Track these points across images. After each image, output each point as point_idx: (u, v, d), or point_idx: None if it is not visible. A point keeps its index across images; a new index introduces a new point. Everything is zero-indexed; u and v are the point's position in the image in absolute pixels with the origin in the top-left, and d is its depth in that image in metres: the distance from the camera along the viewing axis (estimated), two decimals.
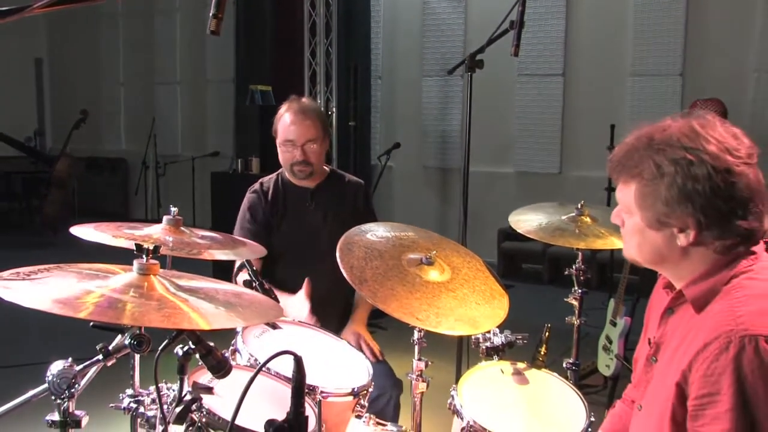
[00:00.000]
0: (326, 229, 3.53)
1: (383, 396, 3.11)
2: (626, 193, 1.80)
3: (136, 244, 1.91)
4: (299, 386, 1.50)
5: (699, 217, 1.66)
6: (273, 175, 3.70)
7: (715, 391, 1.59)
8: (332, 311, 3.49)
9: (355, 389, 2.55)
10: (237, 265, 3.30)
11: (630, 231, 1.84)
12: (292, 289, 3.42)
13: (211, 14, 1.76)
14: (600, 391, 4.95)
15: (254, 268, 2.74)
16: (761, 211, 1.68)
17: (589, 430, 2.52)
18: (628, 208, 1.81)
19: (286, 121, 3.49)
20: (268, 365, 2.41)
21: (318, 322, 3.15)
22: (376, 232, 2.80)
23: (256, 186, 3.67)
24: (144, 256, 1.89)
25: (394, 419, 3.08)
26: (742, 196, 1.65)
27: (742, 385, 1.56)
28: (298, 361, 1.50)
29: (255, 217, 3.58)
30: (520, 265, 8.91)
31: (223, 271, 3.47)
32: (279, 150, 3.54)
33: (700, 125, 1.69)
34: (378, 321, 6.01)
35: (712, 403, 1.60)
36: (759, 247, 1.75)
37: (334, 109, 8.46)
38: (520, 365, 2.83)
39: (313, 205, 3.59)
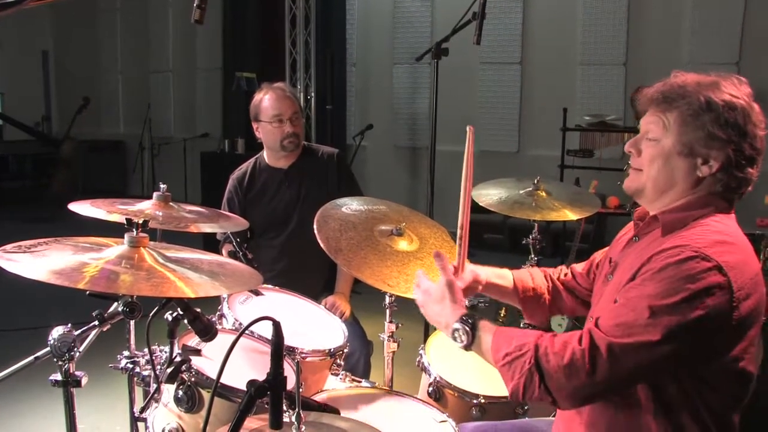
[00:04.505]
0: (300, 205, 3.49)
1: (354, 355, 3.10)
2: (664, 118, 1.80)
3: (126, 218, 1.87)
4: (278, 349, 1.47)
5: (729, 153, 1.72)
6: (251, 160, 3.66)
7: (648, 278, 1.62)
8: (312, 280, 3.47)
9: (332, 350, 2.54)
10: (222, 237, 3.29)
11: (652, 155, 1.83)
12: (273, 262, 3.41)
13: (195, 5, 1.71)
14: None
15: (238, 240, 2.70)
16: (758, 170, 1.78)
17: None
18: (661, 133, 1.80)
19: (270, 100, 3.46)
20: (252, 329, 2.40)
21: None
22: (350, 205, 2.76)
23: (235, 174, 3.64)
24: (134, 229, 1.86)
25: (365, 375, 3.07)
26: (760, 148, 1.74)
27: (673, 280, 1.58)
28: (277, 326, 1.46)
29: (232, 208, 3.55)
30: (482, 236, 8.87)
31: (212, 243, 3.44)
32: (264, 131, 3.48)
33: (738, 81, 1.77)
34: (353, 287, 6.00)
35: (641, 285, 1.63)
36: (731, 214, 1.81)
37: (312, 94, 8.41)
38: None
39: (287, 183, 3.53)
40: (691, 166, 1.77)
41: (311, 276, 3.46)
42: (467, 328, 1.79)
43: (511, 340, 1.73)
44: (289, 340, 2.35)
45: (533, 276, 2.33)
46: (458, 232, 2.13)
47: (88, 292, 1.71)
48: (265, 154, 3.60)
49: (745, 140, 1.72)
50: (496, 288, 2.29)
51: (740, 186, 1.78)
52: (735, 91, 1.74)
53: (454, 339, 1.81)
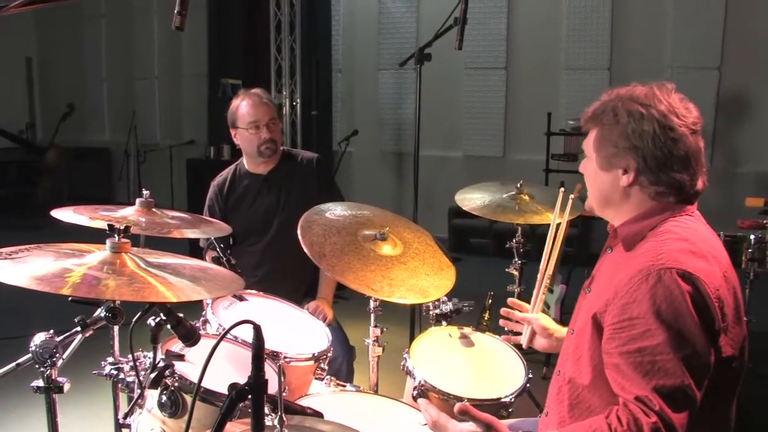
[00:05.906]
0: (280, 211, 3.49)
1: (337, 360, 3.11)
2: (589, 139, 1.90)
3: (108, 224, 1.87)
4: (259, 352, 1.47)
5: (640, 161, 1.76)
6: (231, 167, 3.65)
7: (635, 315, 1.62)
8: (294, 286, 3.46)
9: (316, 354, 2.54)
10: (205, 244, 3.29)
11: (588, 176, 1.94)
12: (255, 268, 3.45)
13: (175, 11, 1.72)
14: (538, 351, 4.96)
15: (221, 245, 2.71)
16: (695, 171, 1.78)
17: (528, 385, 2.53)
18: (589, 153, 1.90)
19: (247, 106, 3.45)
20: (236, 334, 2.41)
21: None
22: (334, 211, 2.78)
23: (216, 180, 3.63)
24: (116, 235, 1.86)
25: (348, 380, 3.08)
26: (679, 153, 1.74)
27: (658, 309, 1.59)
28: (257, 329, 1.47)
29: (213, 215, 3.53)
30: (468, 240, 8.89)
31: (198, 248, 3.45)
32: (241, 138, 3.48)
33: (658, 89, 1.80)
34: (339, 292, 6.02)
35: (631, 326, 1.62)
36: (696, 215, 1.82)
37: (298, 100, 8.38)
38: (467, 329, 2.83)
39: (266, 189, 3.53)
40: (614, 178, 1.83)
41: (293, 281, 3.46)
42: None
43: None
44: (273, 345, 2.36)
45: None
46: (539, 276, 2.41)
47: (70, 298, 1.70)
48: (244, 160, 3.60)
49: (657, 146, 1.74)
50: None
51: (673, 190, 1.79)
52: (648, 99, 1.77)
53: None
